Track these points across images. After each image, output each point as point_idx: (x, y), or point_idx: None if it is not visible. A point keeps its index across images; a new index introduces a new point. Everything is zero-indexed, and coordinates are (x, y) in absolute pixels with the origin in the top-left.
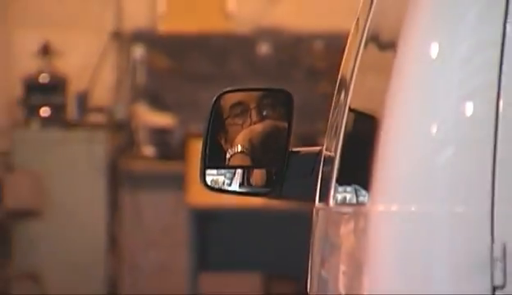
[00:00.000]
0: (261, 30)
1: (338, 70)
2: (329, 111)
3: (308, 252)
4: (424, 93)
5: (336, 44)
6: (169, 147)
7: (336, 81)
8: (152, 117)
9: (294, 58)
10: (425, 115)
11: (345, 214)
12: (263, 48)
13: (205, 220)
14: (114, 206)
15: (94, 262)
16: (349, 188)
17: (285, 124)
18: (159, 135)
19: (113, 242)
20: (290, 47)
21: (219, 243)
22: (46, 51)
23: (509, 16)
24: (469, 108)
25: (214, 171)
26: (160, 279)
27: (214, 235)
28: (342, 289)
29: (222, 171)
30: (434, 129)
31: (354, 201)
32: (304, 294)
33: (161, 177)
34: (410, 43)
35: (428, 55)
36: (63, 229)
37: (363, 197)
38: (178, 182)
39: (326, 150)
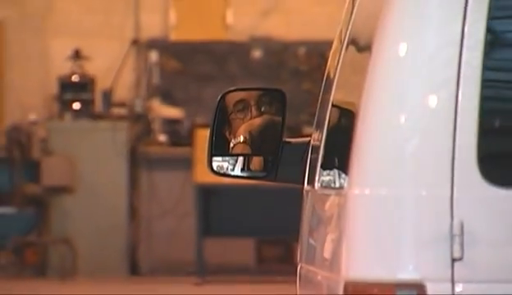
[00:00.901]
0: (254, 39)
1: (318, 72)
2: (310, 105)
3: (294, 221)
4: (394, 88)
5: (316, 50)
6: (178, 135)
7: (315, 81)
8: (164, 110)
9: (281, 62)
10: (395, 108)
11: (328, 195)
12: (256, 54)
13: (208, 195)
14: (133, 183)
15: (117, 229)
16: (331, 174)
17: (280, 119)
18: (170, 125)
19: (133, 212)
20: (279, 52)
21: (219, 214)
22: (77, 56)
23: (467, 19)
24: (433, 101)
25: (219, 158)
26: (171, 243)
27: (215, 207)
28: (326, 254)
29: (226, 158)
30: (402, 121)
31: (335, 184)
32: (290, 256)
33: (172, 159)
34: (383, 45)
35: (398, 55)
36: (91, 202)
37: (343, 181)
38: (186, 163)
39: (313, 140)
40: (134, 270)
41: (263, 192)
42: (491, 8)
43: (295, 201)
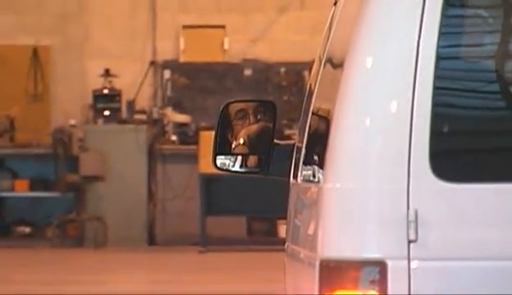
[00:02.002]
0: (245, 61)
1: (295, 86)
2: (289, 112)
3: (276, 203)
4: (362, 97)
5: (293, 70)
6: (186, 136)
7: (292, 93)
8: (175, 116)
9: (266, 78)
10: (362, 114)
11: (308, 188)
12: (247, 72)
13: (209, 182)
14: (151, 173)
15: (139, 209)
16: (310, 170)
17: (271, 125)
18: (180, 128)
19: (150, 196)
20: (264, 71)
21: (218, 197)
22: (107, 74)
23: (421, 37)
24: (393, 107)
25: (222, 157)
26: (180, 220)
27: (215, 192)
28: (307, 236)
29: (228, 157)
30: (367, 125)
31: (314, 179)
32: (273, 230)
33: (181, 155)
34: (353, 61)
35: (365, 68)
36: (118, 188)
37: (319, 176)
38: (192, 158)
39: (297, 143)
40: (151, 241)
41: (253, 181)
42: (441, 27)
43: (277, 188)
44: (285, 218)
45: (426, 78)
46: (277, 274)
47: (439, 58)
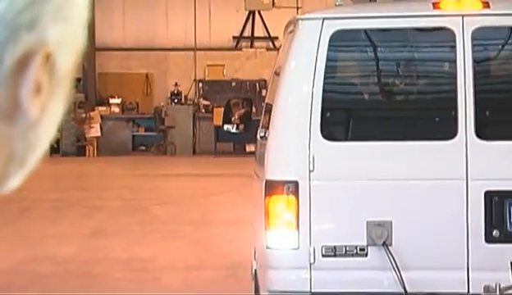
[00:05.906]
0: (233, 79)
1: (253, 90)
2: (253, 103)
3: (245, 139)
4: (288, 88)
5: (252, 83)
6: (208, 109)
7: (253, 93)
8: (204, 102)
9: (241, 87)
10: (287, 97)
11: (261, 142)
12: (233, 84)
13: (218, 129)
14: (194, 125)
15: (188, 139)
16: (263, 132)
17: (250, 110)
18: (206, 107)
19: (194, 134)
20: (240, 83)
21: (221, 134)
22: (176, 85)
23: (319, 51)
24: (304, 92)
25: (227, 125)
26: (206, 144)
27: (221, 132)
28: (261, 164)
29: (230, 125)
30: (289, 103)
31: (264, 136)
32: (244, 149)
33: (206, 117)
34: (284, 68)
35: (290, 71)
36: (180, 131)
37: (267, 135)
38: (210, 119)
39: (261, 118)
40: (194, 152)
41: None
42: (328, 48)
43: (245, 135)
44: (249, 143)
45: (320, 75)
46: (246, 166)
47: (327, 61)
